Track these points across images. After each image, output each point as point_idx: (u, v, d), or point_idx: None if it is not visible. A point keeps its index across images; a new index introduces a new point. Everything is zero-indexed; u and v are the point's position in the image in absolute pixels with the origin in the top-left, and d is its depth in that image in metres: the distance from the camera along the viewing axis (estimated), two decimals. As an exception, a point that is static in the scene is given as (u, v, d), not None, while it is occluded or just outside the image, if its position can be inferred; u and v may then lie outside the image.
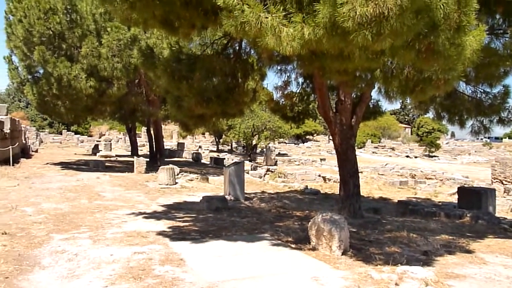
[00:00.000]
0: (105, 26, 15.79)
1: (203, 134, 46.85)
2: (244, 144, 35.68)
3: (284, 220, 8.14)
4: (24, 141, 25.83)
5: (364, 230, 7.47)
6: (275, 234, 6.70)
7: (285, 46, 4.35)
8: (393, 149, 49.61)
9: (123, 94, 17.07)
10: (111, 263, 4.95)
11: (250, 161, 28.14)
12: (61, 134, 47.18)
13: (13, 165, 17.11)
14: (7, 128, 19.81)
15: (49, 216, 7.85)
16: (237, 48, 7.98)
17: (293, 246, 5.96)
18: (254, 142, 33.06)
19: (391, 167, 26.59)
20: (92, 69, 15.73)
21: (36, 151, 28.28)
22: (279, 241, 6.24)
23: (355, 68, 5.54)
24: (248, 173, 17.88)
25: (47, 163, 19.65)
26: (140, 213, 8.46)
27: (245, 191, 11.46)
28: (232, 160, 26.89)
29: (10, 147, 17.88)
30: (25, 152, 23.66)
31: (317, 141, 53.01)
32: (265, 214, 8.90)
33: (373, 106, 10.40)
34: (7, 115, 21.97)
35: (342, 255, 5.48)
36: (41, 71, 17.31)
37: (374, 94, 8.91)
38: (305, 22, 4.30)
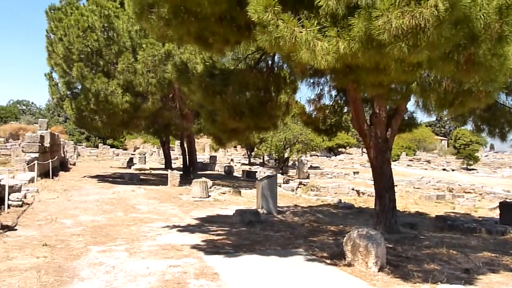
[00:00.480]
0: (141, 43, 16.24)
1: (235, 147, 47.09)
2: (276, 157, 35.64)
3: (318, 235, 8.03)
4: (62, 155, 26.69)
5: (401, 246, 7.27)
6: (310, 249, 6.61)
7: (319, 60, 4.34)
8: (428, 162, 48.35)
9: (157, 108, 17.46)
10: (147, 276, 5.00)
11: (282, 174, 28.05)
12: (98, 147, 48.55)
13: (52, 178, 17.70)
14: (47, 142, 20.58)
15: (87, 228, 8.04)
16: (270, 62, 8.02)
17: (328, 261, 5.86)
18: (286, 155, 32.97)
19: (427, 181, 25.91)
20: (128, 84, 16.18)
21: (74, 164, 29.19)
22: (314, 257, 6.15)
23: (391, 81, 5.45)
24: (280, 186, 17.82)
25: (85, 176, 20.21)
26: (174, 226, 8.55)
27: (278, 205, 11.41)
28: (264, 173, 26.89)
29: (50, 160, 18.52)
30: (63, 165, 24.45)
31: (349, 153, 52.29)
32: (299, 228, 8.81)
33: (408, 118, 10.19)
34: (47, 129, 22.84)
35: (378, 271, 5.34)
36: (80, 87, 17.94)
37: (409, 106, 8.75)
38: (340, 36, 4.28)
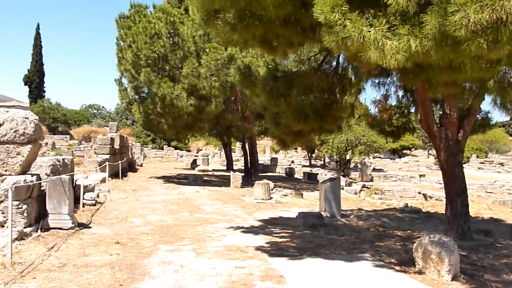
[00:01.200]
0: (204, 47, 16.63)
1: (296, 149, 46.89)
2: (337, 159, 35.04)
3: (384, 240, 7.78)
4: (130, 156, 27.96)
5: (476, 254, 6.87)
6: (376, 255, 6.42)
7: (389, 60, 4.21)
8: (502, 164, 45.29)
9: (220, 111, 17.79)
10: (214, 276, 5.09)
11: (343, 176, 27.49)
12: (163, 149, 50.33)
13: (122, 178, 18.59)
14: (116, 144, 21.66)
15: (155, 227, 8.35)
16: (334, 63, 7.90)
17: (397, 268, 5.65)
18: (347, 157, 32.32)
19: (501, 184, 24.26)
20: (192, 88, 16.63)
21: (141, 165, 30.48)
22: (382, 262, 5.96)
23: (465, 79, 5.18)
24: (342, 189, 17.47)
25: (151, 177, 21.03)
26: (238, 227, 8.65)
27: (341, 208, 11.19)
28: (326, 175, 26.52)
29: (120, 161, 19.48)
30: (131, 166, 25.60)
31: (415, 156, 50.26)
32: (364, 232, 8.59)
33: (482, 119, 9.60)
34: (116, 132, 24.03)
35: (452, 280, 5.08)
36: (147, 91, 18.71)
37: (483, 105, 8.23)
38: (411, 34, 4.12)
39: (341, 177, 22.64)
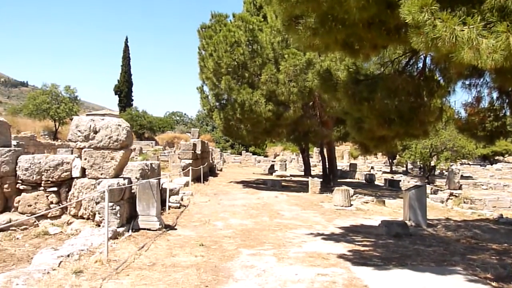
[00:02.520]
0: (283, 54, 16.76)
1: (375, 154, 45.46)
2: (421, 165, 33.40)
3: (477, 253, 7.24)
4: (211, 161, 28.86)
5: None
6: (469, 268, 5.99)
7: (485, 60, 3.93)
8: None
9: (298, 116, 17.80)
10: (297, 283, 5.06)
11: (428, 184, 26.12)
12: (241, 154, 51.40)
13: (203, 182, 19.24)
14: (198, 150, 22.48)
15: (236, 231, 8.51)
16: (420, 65, 7.53)
17: (493, 284, 5.23)
18: (432, 163, 30.65)
19: None
20: (271, 94, 16.82)
21: (221, 170, 31.35)
22: (476, 277, 5.54)
23: None
24: (428, 197, 16.59)
25: (231, 182, 21.54)
26: (318, 234, 8.55)
27: (427, 217, 10.62)
28: (408, 182, 25.42)
29: (201, 166, 20.18)
30: (212, 171, 26.41)
31: (509, 162, 46.39)
32: (453, 244, 8.07)
33: None
34: (198, 138, 24.94)
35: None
36: (227, 98, 19.23)
37: None
38: (510, 31, 3.82)
39: (426, 185, 21.53)
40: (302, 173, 31.25)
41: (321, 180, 19.25)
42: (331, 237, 8.30)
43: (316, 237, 8.20)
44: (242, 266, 5.80)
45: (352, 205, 13.12)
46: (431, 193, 19.10)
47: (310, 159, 32.91)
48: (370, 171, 33.89)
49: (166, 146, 46.07)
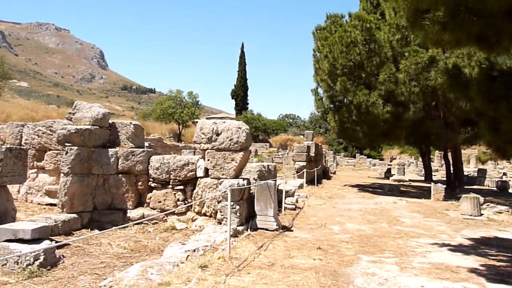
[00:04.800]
0: (402, 51, 15.94)
1: (509, 159, 40.87)
2: None
3: None
4: (324, 164, 28.61)
5: None
6: None
7: None
8: None
9: (418, 117, 16.75)
10: (423, 296, 4.72)
11: None
12: (355, 157, 50.17)
13: (317, 185, 19.14)
14: (312, 152, 22.43)
15: (354, 236, 8.27)
16: None
17: None
18: None
19: None
20: (389, 94, 16.10)
21: (334, 173, 30.92)
22: None
23: None
24: None
25: (345, 185, 21.09)
26: (444, 244, 7.91)
27: None
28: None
29: (315, 169, 20.10)
30: (325, 174, 26.15)
31: None
32: None
33: None
34: (312, 140, 24.91)
35: None
36: (342, 100, 18.88)
37: None
38: None
39: None
40: (422, 178, 29.36)
41: (445, 186, 17.85)
42: (459, 248, 7.62)
43: (441, 248, 7.60)
44: (362, 273, 5.59)
45: (482, 214, 11.91)
46: None
47: (431, 163, 30.78)
48: (502, 177, 30.54)
49: (280, 148, 46.87)
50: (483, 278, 5.57)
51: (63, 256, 5.94)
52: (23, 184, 10.04)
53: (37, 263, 5.23)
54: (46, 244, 5.52)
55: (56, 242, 6.07)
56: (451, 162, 21.29)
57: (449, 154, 22.33)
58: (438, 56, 15.13)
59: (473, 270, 5.99)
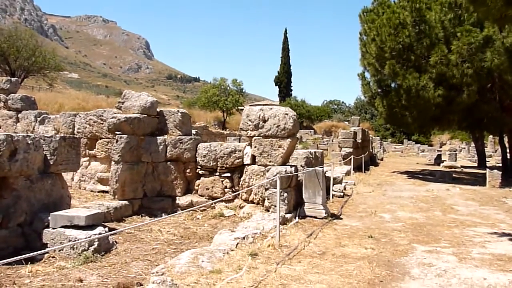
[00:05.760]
0: (455, 32, 15.13)
1: None
2: None
3: None
4: (371, 150, 27.98)
5: None
6: None
7: None
8: None
9: (472, 101, 15.92)
10: (486, 289, 4.47)
11: None
12: (402, 143, 48.78)
13: (364, 172, 18.74)
14: (359, 138, 21.96)
15: (406, 225, 8.00)
16: None
17: None
18: None
19: None
20: (440, 77, 15.38)
21: (382, 159, 30.19)
22: None
23: None
24: None
25: (394, 172, 20.53)
26: (504, 234, 7.49)
27: None
28: None
29: (362, 155, 19.67)
30: (372, 160, 25.58)
31: None
32: None
33: None
34: (358, 126, 24.37)
35: None
36: (391, 84, 18.27)
37: None
38: None
39: None
40: (475, 164, 28.14)
41: (501, 172, 16.96)
42: (521, 238, 7.20)
43: (502, 237, 7.20)
44: (418, 263, 5.37)
45: (544, 202, 11.22)
46: None
47: (484, 148, 29.39)
48: None
49: (324, 135, 46.33)
50: (552, 271, 5.21)
51: (116, 242, 6.09)
52: (76, 172, 10.44)
53: (91, 248, 5.39)
54: (99, 230, 5.68)
55: (109, 228, 6.24)
56: (507, 147, 20.19)
57: (505, 139, 21.20)
58: (494, 35, 14.22)
59: (539, 262, 5.62)
